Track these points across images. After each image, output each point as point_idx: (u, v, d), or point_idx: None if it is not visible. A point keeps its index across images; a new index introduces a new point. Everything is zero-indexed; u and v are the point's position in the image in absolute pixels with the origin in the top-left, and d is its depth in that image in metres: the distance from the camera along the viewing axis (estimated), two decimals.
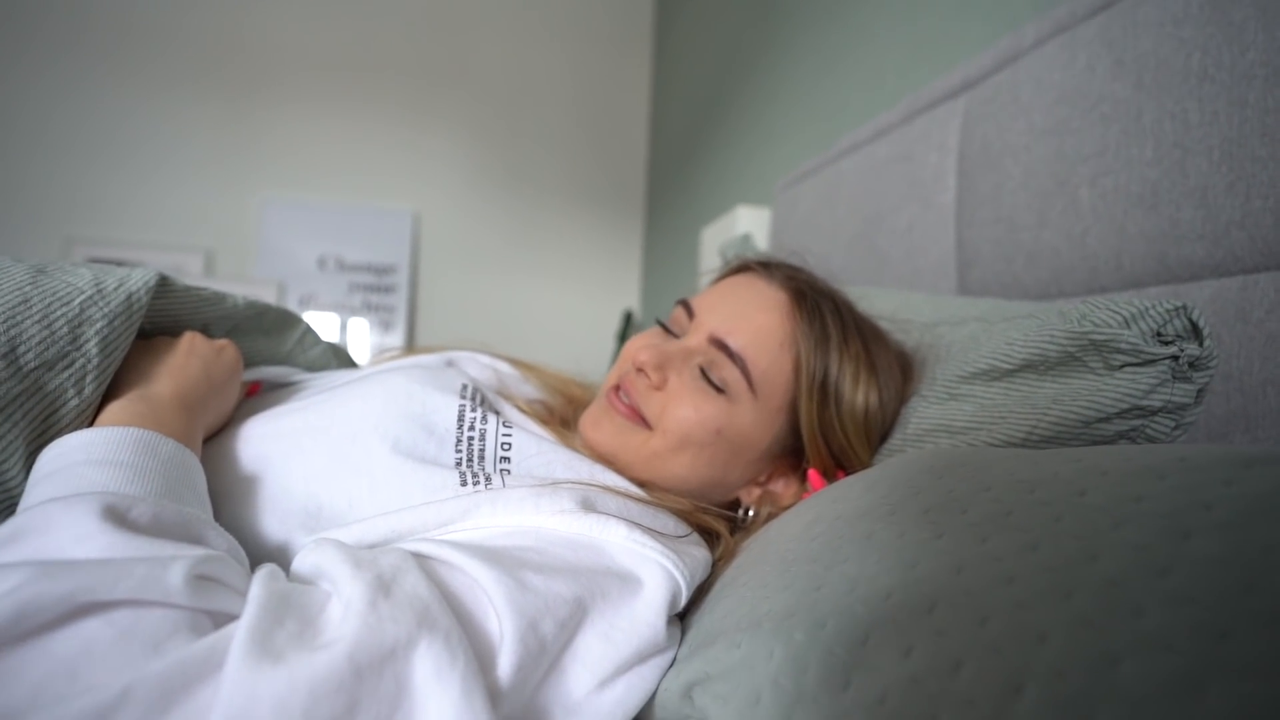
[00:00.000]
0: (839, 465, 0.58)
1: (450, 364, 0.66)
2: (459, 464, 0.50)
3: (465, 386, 0.57)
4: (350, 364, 0.78)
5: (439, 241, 2.49)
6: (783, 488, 0.60)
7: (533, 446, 0.53)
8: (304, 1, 2.35)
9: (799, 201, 1.26)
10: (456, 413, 0.53)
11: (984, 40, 0.98)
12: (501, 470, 0.50)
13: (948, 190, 0.89)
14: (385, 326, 2.39)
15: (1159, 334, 0.45)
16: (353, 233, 2.39)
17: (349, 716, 0.28)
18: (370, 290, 2.39)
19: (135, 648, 0.28)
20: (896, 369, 0.62)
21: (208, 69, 2.26)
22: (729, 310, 0.59)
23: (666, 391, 0.56)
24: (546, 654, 0.35)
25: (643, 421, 0.57)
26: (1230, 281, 0.57)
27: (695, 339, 0.58)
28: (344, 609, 0.31)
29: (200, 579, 0.31)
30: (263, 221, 2.32)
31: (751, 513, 0.59)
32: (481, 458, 0.51)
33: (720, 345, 0.57)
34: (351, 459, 0.48)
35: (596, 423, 0.59)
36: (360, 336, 2.37)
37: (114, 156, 2.19)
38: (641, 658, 0.39)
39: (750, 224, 1.40)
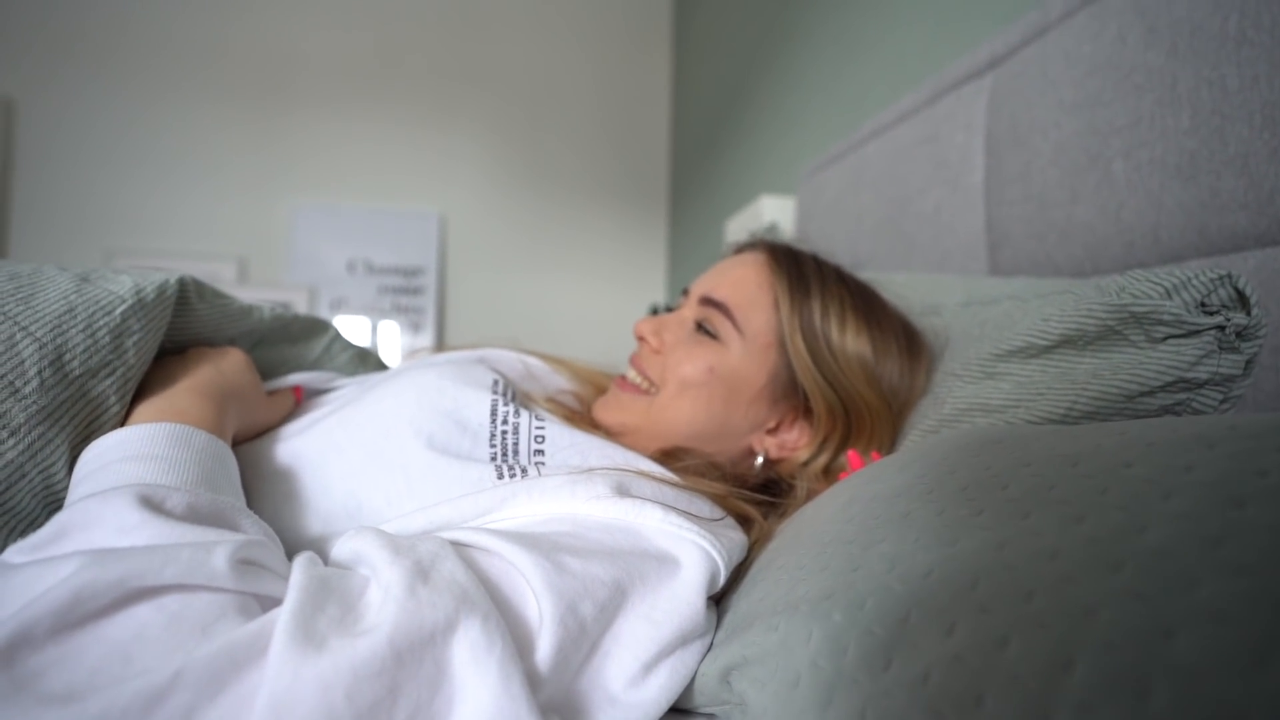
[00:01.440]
0: (847, 413, 0.59)
1: (482, 360, 0.66)
2: (494, 458, 0.50)
3: (497, 382, 0.57)
4: (380, 368, 0.79)
5: (465, 242, 2.52)
6: (796, 435, 0.62)
7: (566, 438, 0.53)
8: (327, 11, 2.38)
9: (824, 188, 1.25)
10: (489, 407, 0.53)
11: (1008, 16, 0.96)
12: (536, 463, 0.51)
13: (975, 170, 0.87)
14: (415, 328, 2.42)
15: (1203, 304, 0.44)
16: (381, 236, 2.42)
17: (390, 700, 0.28)
18: (399, 292, 2.42)
19: (185, 631, 0.29)
20: (899, 331, 0.64)
21: (237, 81, 2.31)
22: (714, 274, 0.66)
23: (665, 351, 0.62)
24: (586, 636, 0.35)
25: (650, 385, 0.62)
26: (1276, 251, 0.55)
27: (688, 306, 0.65)
28: (383, 594, 0.32)
29: (243, 563, 0.32)
30: (293, 227, 2.36)
31: (762, 458, 0.62)
32: (516, 451, 0.51)
33: (707, 301, 0.63)
34: (387, 455, 0.49)
35: (606, 405, 0.64)
36: (390, 338, 2.40)
37: (151, 169, 2.25)
38: (684, 640, 0.39)
39: (775, 213, 1.39)
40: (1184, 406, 0.46)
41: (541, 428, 0.53)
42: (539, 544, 0.38)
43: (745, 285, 0.62)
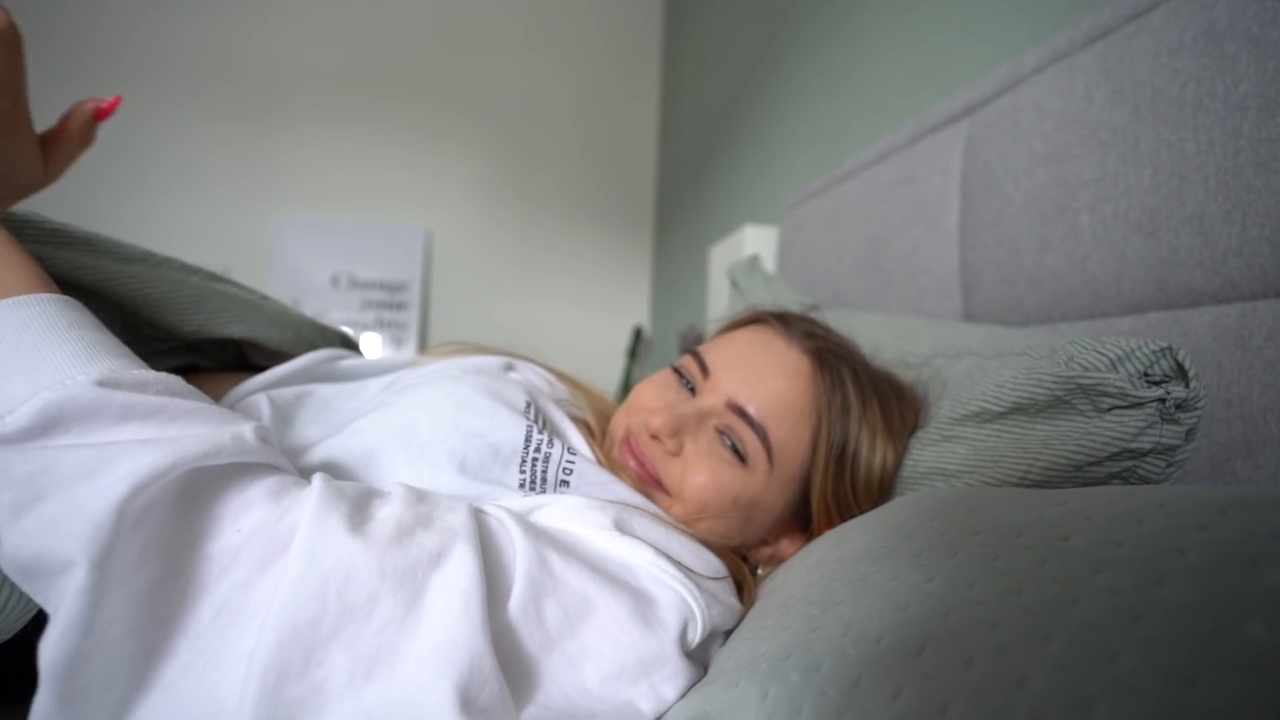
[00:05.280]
0: (843, 520, 0.58)
1: (510, 368, 0.66)
2: (522, 485, 0.50)
3: (529, 405, 0.56)
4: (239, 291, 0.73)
5: (451, 259, 2.53)
6: (787, 545, 0.61)
7: (593, 475, 0.53)
8: (319, 24, 2.40)
9: (805, 222, 1.27)
10: (524, 433, 0.52)
11: (986, 63, 0.99)
12: (561, 493, 0.51)
13: (951, 213, 0.90)
14: (397, 343, 2.42)
15: (1146, 375, 0.46)
16: (366, 250, 2.43)
17: (371, 606, 0.33)
18: (383, 307, 2.43)
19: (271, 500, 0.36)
20: (911, 415, 0.62)
21: (225, 91, 2.32)
22: (747, 373, 0.57)
23: (683, 458, 0.56)
24: (544, 625, 0.38)
25: (661, 487, 0.56)
26: (1229, 308, 0.58)
27: (711, 400, 0.57)
28: (394, 511, 0.38)
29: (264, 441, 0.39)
30: (278, 239, 2.36)
31: (760, 571, 0.60)
32: (544, 480, 0.51)
33: (738, 411, 0.56)
34: (421, 472, 0.49)
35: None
36: (372, 351, 2.41)
37: (134, 177, 2.25)
38: (645, 669, 0.39)
39: (757, 243, 1.41)
40: (1130, 473, 0.48)
41: (572, 462, 0.53)
42: (539, 534, 0.42)
43: (788, 411, 0.56)
